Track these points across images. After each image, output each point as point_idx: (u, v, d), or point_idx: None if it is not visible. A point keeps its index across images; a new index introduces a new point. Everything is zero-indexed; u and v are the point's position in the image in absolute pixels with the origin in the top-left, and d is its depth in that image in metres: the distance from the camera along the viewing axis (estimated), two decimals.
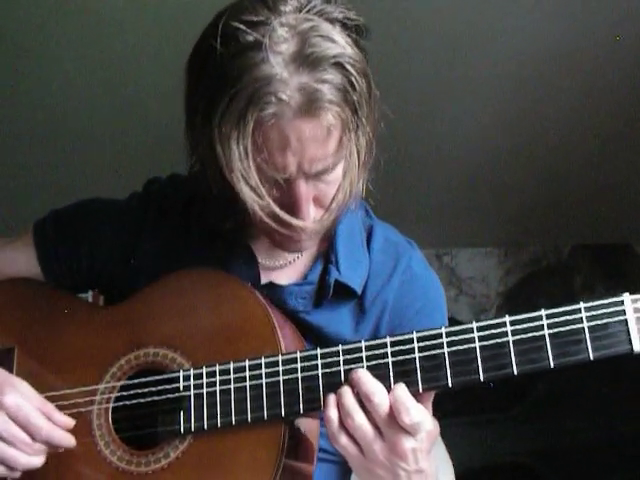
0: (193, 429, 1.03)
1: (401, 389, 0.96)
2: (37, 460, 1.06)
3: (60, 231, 1.23)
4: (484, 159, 2.89)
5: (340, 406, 0.96)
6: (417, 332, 0.98)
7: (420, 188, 2.95)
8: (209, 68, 0.96)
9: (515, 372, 0.93)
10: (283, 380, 1.00)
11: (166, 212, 1.21)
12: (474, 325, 0.96)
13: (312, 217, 1.02)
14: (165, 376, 1.07)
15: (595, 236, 3.39)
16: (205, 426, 1.03)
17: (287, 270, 1.17)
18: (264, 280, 1.15)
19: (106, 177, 2.63)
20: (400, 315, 1.15)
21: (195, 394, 1.04)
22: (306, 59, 0.92)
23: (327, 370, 0.99)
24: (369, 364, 0.98)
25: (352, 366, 0.98)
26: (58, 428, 1.07)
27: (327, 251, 1.16)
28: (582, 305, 0.93)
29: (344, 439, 0.96)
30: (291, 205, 1.00)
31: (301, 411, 1.00)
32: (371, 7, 2.22)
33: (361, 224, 1.20)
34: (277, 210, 0.98)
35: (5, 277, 1.24)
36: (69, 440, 1.08)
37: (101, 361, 1.11)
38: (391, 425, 0.94)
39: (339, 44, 0.94)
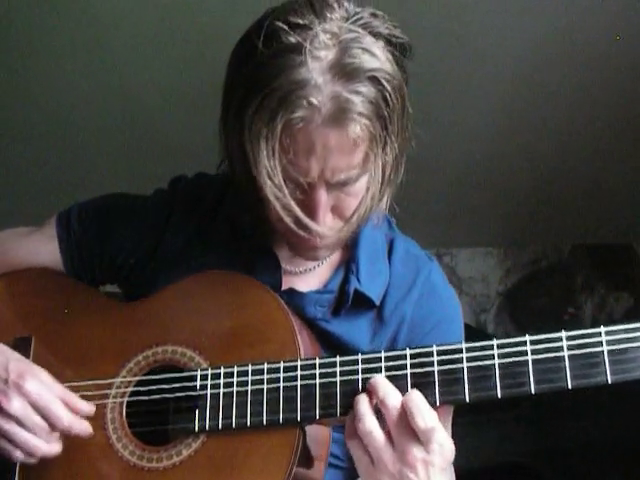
0: (207, 428, 1.04)
1: (416, 393, 0.96)
2: (55, 447, 1.07)
3: (84, 224, 1.23)
4: (484, 159, 2.89)
5: (355, 411, 0.97)
6: (437, 346, 0.99)
7: (420, 188, 2.93)
8: (248, 64, 0.97)
9: (533, 391, 0.94)
10: (301, 385, 1.01)
11: (192, 210, 1.21)
12: (494, 342, 0.97)
13: (328, 225, 1.03)
14: (183, 374, 1.07)
15: (595, 236, 3.40)
16: (220, 426, 1.03)
17: (308, 277, 1.18)
18: (285, 286, 1.16)
19: (106, 177, 2.63)
20: (417, 328, 1.16)
21: (212, 394, 1.04)
22: (343, 68, 0.93)
23: (345, 378, 1.00)
24: (388, 374, 0.99)
25: (370, 375, 0.99)
26: (78, 418, 1.08)
27: (348, 260, 1.17)
28: (603, 329, 0.94)
29: (355, 444, 0.97)
30: (310, 210, 1.01)
31: (317, 416, 1.01)
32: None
33: (383, 236, 1.21)
34: (297, 210, 0.99)
35: (26, 267, 1.24)
36: (88, 429, 1.08)
37: (119, 356, 1.12)
38: (403, 431, 0.94)
39: (379, 59, 0.94)
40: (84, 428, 1.08)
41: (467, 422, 2.47)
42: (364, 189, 1.02)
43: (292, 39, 0.93)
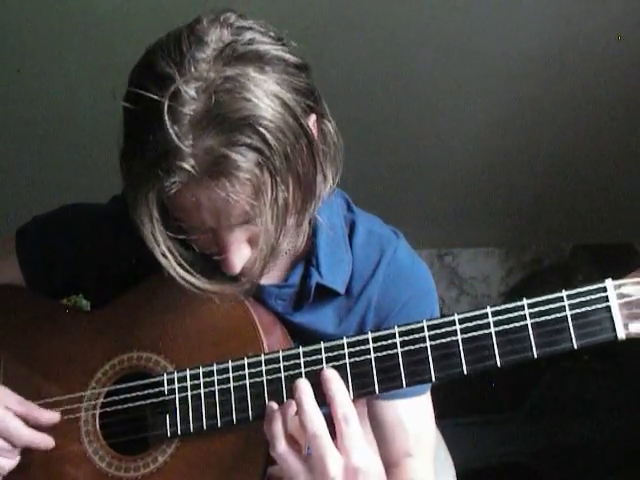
0: (180, 432, 1.02)
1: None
2: (13, 461, 1.09)
3: (41, 238, 1.22)
4: (485, 159, 2.88)
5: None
6: (399, 326, 0.96)
7: (421, 188, 2.93)
8: (124, 120, 0.91)
9: (499, 364, 0.92)
10: (267, 380, 0.99)
11: None
12: (456, 317, 0.94)
13: (245, 258, 0.97)
14: (149, 380, 1.06)
15: (596, 236, 3.37)
16: (191, 429, 1.02)
17: None
18: None
19: (106, 177, 2.63)
20: (386, 310, 1.12)
21: (180, 397, 1.03)
22: (213, 120, 0.84)
23: (310, 369, 0.98)
24: (352, 361, 0.97)
25: (335, 363, 0.97)
26: (39, 434, 1.09)
27: (308, 252, 1.12)
28: (564, 293, 0.91)
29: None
30: (224, 257, 0.96)
31: None
32: (372, 8, 2.23)
33: (342, 219, 1.16)
34: (192, 279, 0.95)
35: None
36: (49, 441, 1.10)
37: (87, 367, 1.11)
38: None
39: (253, 101, 0.85)
40: (45, 441, 1.09)
41: (468, 422, 2.46)
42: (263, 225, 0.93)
43: (153, 94, 0.84)
